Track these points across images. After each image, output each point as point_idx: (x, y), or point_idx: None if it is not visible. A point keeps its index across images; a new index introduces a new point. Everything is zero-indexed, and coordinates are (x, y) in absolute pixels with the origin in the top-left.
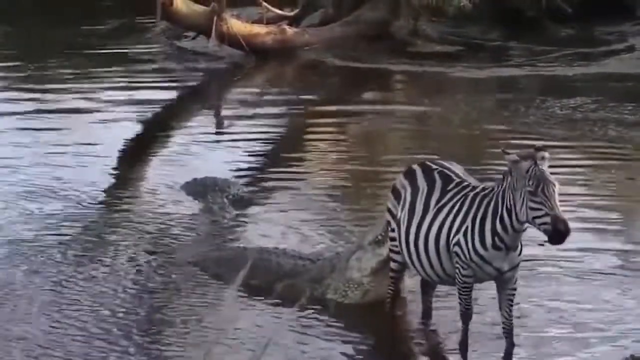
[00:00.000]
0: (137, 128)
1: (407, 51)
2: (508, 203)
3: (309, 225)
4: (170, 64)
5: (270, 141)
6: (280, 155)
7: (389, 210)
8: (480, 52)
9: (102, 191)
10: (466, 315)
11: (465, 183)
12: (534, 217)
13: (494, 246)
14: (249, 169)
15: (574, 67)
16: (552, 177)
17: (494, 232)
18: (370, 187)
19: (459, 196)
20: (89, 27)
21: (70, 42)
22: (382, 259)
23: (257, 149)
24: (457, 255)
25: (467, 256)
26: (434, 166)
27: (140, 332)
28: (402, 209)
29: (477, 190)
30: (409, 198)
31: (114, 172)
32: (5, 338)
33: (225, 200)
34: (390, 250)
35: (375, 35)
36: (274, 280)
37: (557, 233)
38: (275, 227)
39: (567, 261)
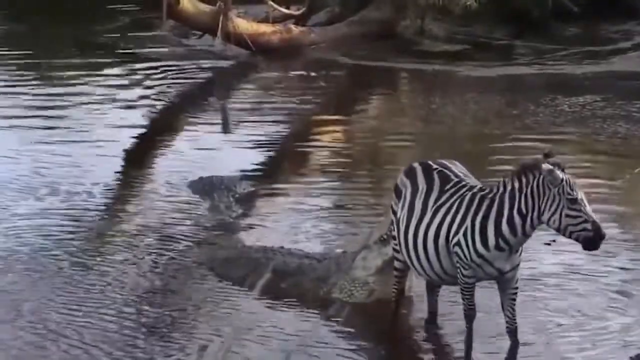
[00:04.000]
0: (144, 126)
1: (414, 50)
2: (523, 207)
3: (316, 224)
4: (177, 62)
5: (278, 140)
6: (288, 154)
7: (392, 209)
8: (487, 51)
9: (108, 189)
10: (470, 314)
11: (463, 183)
12: (571, 224)
13: (497, 247)
14: (255, 167)
15: (582, 66)
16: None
17: (499, 233)
18: (378, 186)
19: (456, 196)
20: (99, 25)
21: (80, 39)
22: (387, 258)
23: (264, 147)
24: (458, 255)
25: (468, 257)
26: (434, 165)
27: (146, 334)
28: (402, 208)
29: (475, 190)
30: (408, 197)
31: (120, 170)
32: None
33: (232, 199)
34: (393, 250)
35: (381, 34)
36: (280, 279)
37: (598, 239)
38: (282, 226)
39: (578, 259)
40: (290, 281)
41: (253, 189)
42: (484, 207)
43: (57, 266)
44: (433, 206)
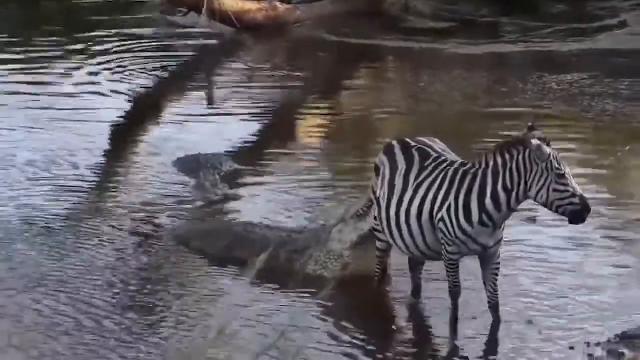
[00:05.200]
0: (129, 103)
1: (401, 27)
2: (508, 183)
3: (302, 202)
4: (163, 39)
5: (263, 118)
6: (273, 131)
7: (372, 188)
8: (473, 29)
9: (94, 166)
10: (455, 291)
11: (443, 158)
12: (558, 199)
13: (481, 223)
14: (241, 145)
15: (568, 43)
16: None
17: (483, 209)
18: (365, 163)
19: (437, 171)
20: (85, 2)
21: (64, 15)
22: (363, 233)
23: (250, 125)
24: (442, 231)
25: (453, 233)
26: (413, 143)
27: (129, 310)
28: (382, 187)
29: (456, 166)
30: (387, 175)
31: (106, 148)
32: None
33: (217, 176)
34: (375, 230)
35: (367, 11)
36: (258, 252)
37: (585, 212)
38: (268, 204)
39: (562, 238)
40: (268, 253)
41: (239, 166)
42: (466, 183)
43: (37, 240)
44: (414, 183)
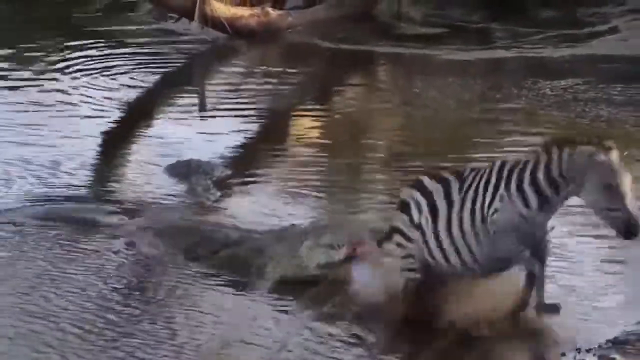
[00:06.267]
0: (121, 108)
1: (392, 33)
2: (565, 172)
3: (294, 207)
4: (155, 44)
5: (255, 123)
6: (265, 136)
7: (398, 229)
8: (465, 34)
9: (85, 172)
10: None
11: (479, 167)
12: (604, 209)
13: (539, 207)
14: (233, 150)
15: (560, 49)
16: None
17: (539, 192)
18: (358, 169)
19: (478, 177)
20: (77, 6)
21: (57, 20)
22: (332, 261)
23: (242, 130)
24: (496, 223)
25: (509, 219)
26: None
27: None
28: (422, 215)
29: (497, 165)
30: (423, 201)
31: (97, 153)
32: None
33: (209, 182)
34: (406, 269)
35: (358, 17)
36: (218, 250)
37: (631, 232)
38: (259, 209)
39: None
40: (227, 250)
41: (230, 170)
42: (515, 174)
43: (30, 244)
44: (459, 195)
